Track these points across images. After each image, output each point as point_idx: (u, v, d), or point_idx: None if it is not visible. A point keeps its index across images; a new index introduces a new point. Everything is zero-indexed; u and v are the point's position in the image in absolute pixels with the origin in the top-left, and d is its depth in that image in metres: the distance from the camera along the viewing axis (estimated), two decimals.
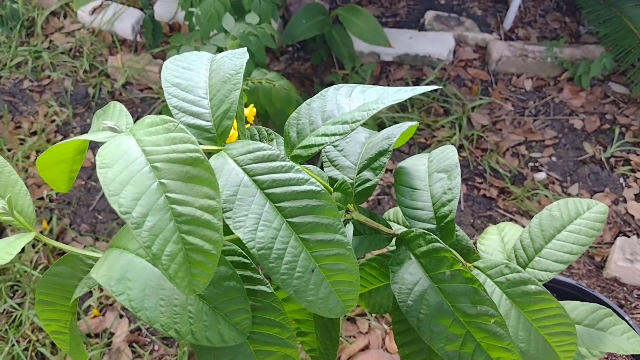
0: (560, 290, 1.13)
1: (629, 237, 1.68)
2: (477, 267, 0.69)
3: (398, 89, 0.51)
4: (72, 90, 2.09)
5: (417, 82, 2.14)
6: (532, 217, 1.74)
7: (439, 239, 0.60)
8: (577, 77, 2.14)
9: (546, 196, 1.78)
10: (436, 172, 0.72)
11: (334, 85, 0.54)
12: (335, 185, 0.56)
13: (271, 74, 1.28)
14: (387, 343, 1.50)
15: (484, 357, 0.58)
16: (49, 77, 2.16)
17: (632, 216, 1.79)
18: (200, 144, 0.43)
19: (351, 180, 0.61)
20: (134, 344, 1.48)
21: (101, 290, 1.57)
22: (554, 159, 1.93)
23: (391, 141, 0.59)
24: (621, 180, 1.88)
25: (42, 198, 1.77)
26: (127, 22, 2.24)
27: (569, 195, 1.81)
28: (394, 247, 0.66)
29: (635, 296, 1.59)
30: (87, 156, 1.90)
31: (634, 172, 1.89)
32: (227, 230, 0.56)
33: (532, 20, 2.40)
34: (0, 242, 0.48)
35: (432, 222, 0.69)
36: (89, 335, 1.48)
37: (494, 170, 1.88)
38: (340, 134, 0.49)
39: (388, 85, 2.12)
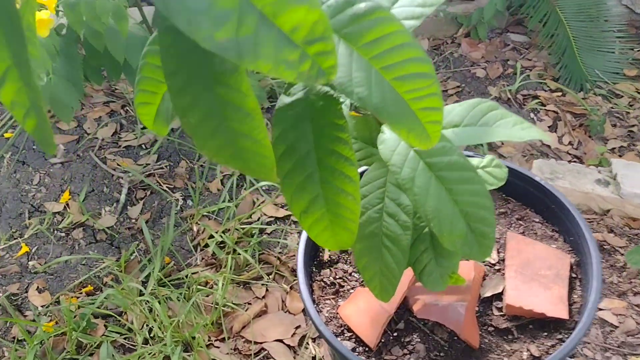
0: None
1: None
2: None
3: None
4: None
5: None
6: None
7: None
8: (473, 31, 2.05)
9: None
10: None
11: None
12: None
13: None
14: (287, 304, 1.25)
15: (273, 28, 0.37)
16: None
17: (548, 146, 1.65)
18: None
19: None
20: None
21: None
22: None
23: None
24: (532, 115, 1.75)
25: None
26: None
27: None
28: None
29: None
30: None
31: (544, 105, 1.77)
32: None
33: None
34: None
35: None
36: None
37: None
38: None
39: None
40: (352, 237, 0.58)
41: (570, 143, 1.67)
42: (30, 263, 1.38)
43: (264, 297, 1.27)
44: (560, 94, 1.82)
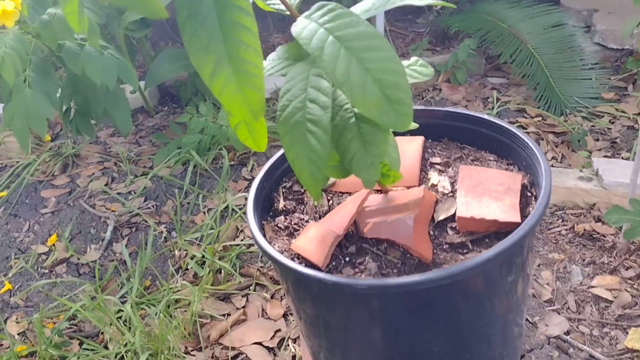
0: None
1: None
2: None
3: None
4: None
5: None
6: None
7: None
8: (452, 77, 2.13)
9: None
10: None
11: None
12: None
13: None
14: (268, 311, 1.21)
15: None
16: None
17: None
18: None
19: None
20: None
21: None
22: None
23: None
24: None
25: None
26: None
27: None
28: None
29: (549, 214, 1.38)
30: None
31: (525, 128, 1.79)
32: None
33: (405, 53, 2.46)
34: None
35: None
36: None
37: None
38: None
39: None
40: (261, 98, 0.59)
41: (554, 158, 1.66)
42: (12, 299, 1.37)
43: (243, 307, 1.23)
44: (540, 118, 1.85)
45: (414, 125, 0.79)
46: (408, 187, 0.82)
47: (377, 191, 0.82)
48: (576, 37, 2.07)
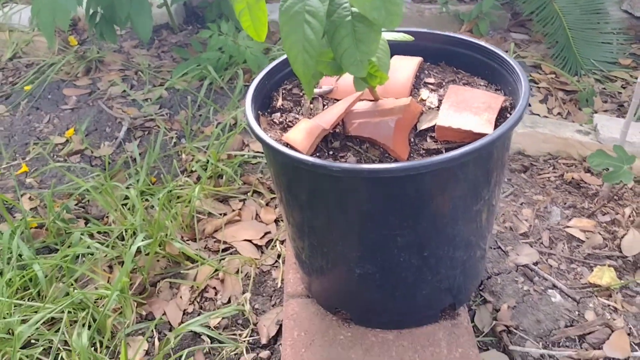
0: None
1: None
2: None
3: None
4: None
5: None
6: None
7: None
8: (475, 27, 2.14)
9: None
10: None
11: None
12: None
13: None
14: (261, 215, 1.29)
15: None
16: None
17: (537, 114, 1.68)
18: None
19: None
20: None
21: None
22: None
23: None
24: None
25: None
26: (25, 14, 2.23)
27: None
28: None
29: (542, 161, 1.43)
30: None
31: (537, 83, 1.82)
32: None
33: (433, 0, 2.46)
34: None
35: None
36: None
37: None
38: None
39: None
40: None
41: (559, 114, 1.70)
42: (28, 180, 1.46)
43: (240, 209, 1.31)
44: (554, 76, 1.87)
45: (408, 38, 0.85)
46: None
47: (370, 101, 0.88)
48: (604, 1, 2.05)
